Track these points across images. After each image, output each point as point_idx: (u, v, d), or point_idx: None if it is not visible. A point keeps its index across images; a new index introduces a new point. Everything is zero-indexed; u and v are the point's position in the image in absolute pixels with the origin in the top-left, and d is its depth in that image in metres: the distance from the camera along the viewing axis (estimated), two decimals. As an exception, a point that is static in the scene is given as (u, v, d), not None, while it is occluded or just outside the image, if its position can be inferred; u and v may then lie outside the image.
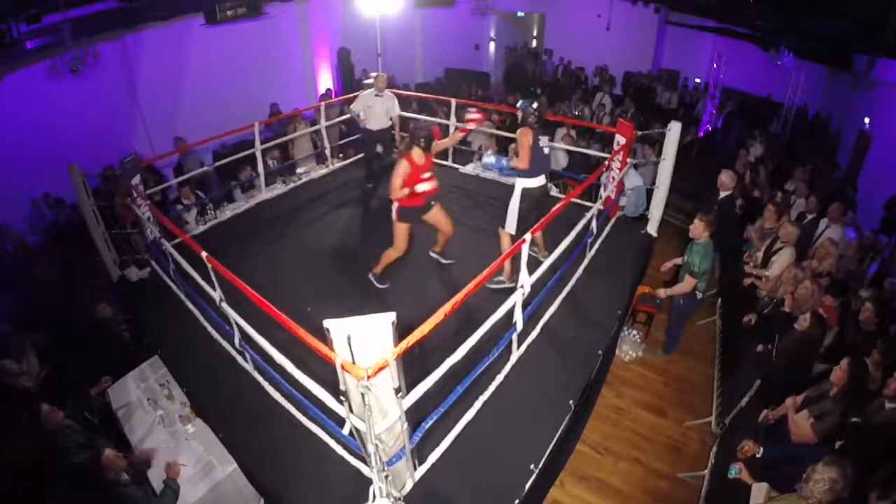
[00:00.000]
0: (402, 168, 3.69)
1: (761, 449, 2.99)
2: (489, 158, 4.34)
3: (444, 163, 6.55)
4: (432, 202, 3.97)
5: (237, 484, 3.05)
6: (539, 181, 3.85)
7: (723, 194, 5.23)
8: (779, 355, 3.71)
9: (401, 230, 3.93)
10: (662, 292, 4.42)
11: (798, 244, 4.70)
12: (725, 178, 5.20)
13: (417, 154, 3.72)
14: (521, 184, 3.82)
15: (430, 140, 3.76)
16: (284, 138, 6.63)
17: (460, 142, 6.89)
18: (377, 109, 5.43)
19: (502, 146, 6.51)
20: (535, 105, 3.74)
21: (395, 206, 3.87)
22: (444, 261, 4.46)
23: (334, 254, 4.71)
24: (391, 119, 5.62)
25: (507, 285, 3.89)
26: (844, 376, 3.00)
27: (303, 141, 7.05)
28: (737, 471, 2.91)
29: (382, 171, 5.72)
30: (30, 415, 3.11)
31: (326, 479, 2.67)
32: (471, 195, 5.75)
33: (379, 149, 5.72)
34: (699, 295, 4.32)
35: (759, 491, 2.77)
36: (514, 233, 3.90)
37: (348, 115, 6.87)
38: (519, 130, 3.76)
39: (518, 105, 3.86)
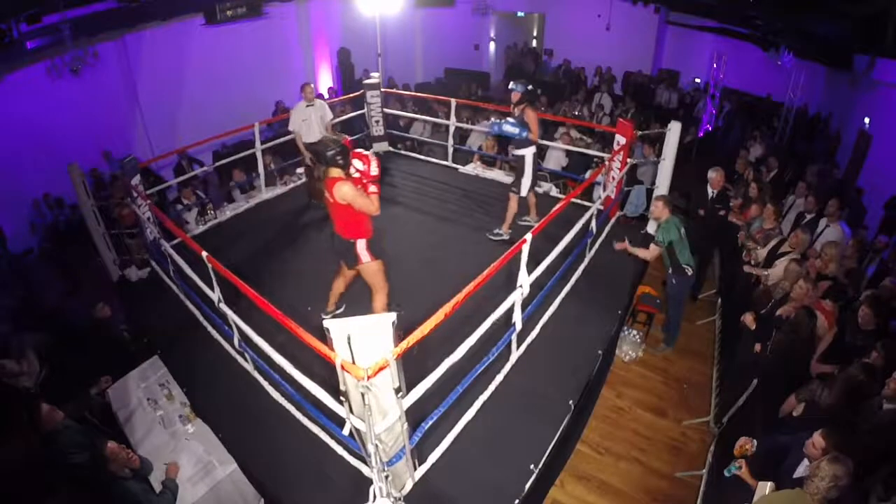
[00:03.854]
0: (352, 189, 2.99)
1: (754, 442, 2.99)
2: (508, 126, 4.27)
3: (444, 162, 6.55)
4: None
5: (237, 484, 3.04)
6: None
7: (713, 192, 5.21)
8: (772, 352, 3.71)
9: (379, 270, 3.31)
10: (624, 245, 4.27)
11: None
12: (715, 174, 5.17)
13: (336, 172, 3.08)
14: (531, 151, 4.47)
15: (346, 154, 3.07)
16: (286, 137, 6.60)
17: (459, 141, 6.89)
18: (312, 120, 5.25)
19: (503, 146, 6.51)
20: (530, 87, 4.42)
21: (361, 243, 3.19)
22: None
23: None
24: (326, 128, 5.41)
25: (504, 237, 4.72)
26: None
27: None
28: (736, 467, 2.90)
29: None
30: (30, 415, 3.10)
31: (326, 479, 2.68)
32: (471, 195, 5.74)
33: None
34: (689, 271, 4.30)
35: (763, 490, 2.76)
36: (525, 195, 4.62)
37: (347, 115, 6.89)
38: (525, 108, 4.34)
39: (515, 87, 4.36)
